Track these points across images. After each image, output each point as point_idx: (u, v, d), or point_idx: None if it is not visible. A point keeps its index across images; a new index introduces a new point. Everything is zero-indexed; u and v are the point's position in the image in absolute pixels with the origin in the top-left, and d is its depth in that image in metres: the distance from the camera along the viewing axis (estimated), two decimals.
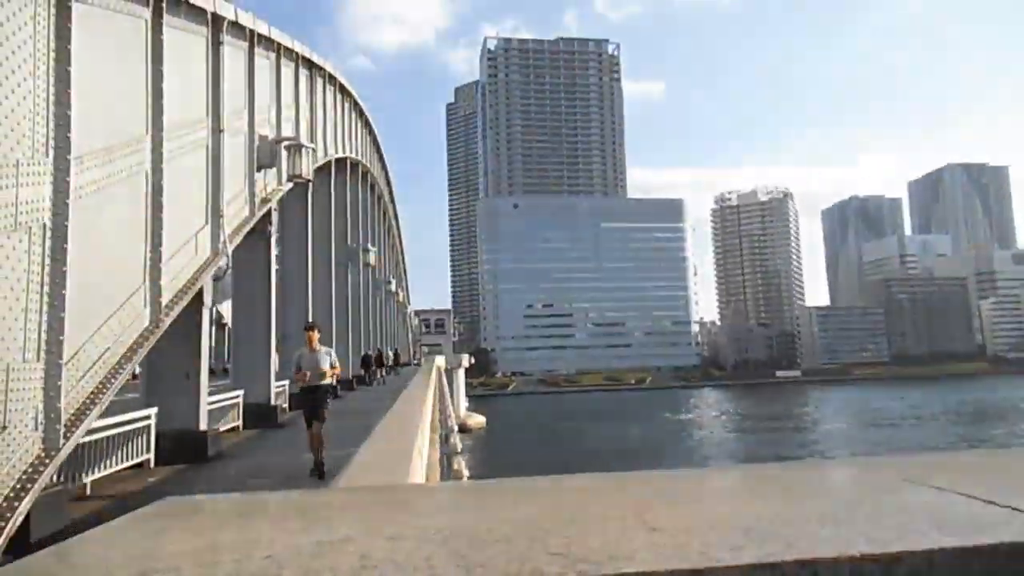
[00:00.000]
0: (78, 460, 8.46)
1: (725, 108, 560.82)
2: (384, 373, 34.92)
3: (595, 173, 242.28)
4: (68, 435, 6.73)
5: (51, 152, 6.71)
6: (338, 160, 26.26)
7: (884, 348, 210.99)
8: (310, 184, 20.70)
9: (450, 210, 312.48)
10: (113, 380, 7.64)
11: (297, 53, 17.99)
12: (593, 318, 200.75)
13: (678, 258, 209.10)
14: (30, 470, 6.21)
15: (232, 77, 12.69)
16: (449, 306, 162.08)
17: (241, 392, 15.22)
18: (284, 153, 14.75)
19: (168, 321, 9.16)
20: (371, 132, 35.52)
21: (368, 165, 35.58)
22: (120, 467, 9.66)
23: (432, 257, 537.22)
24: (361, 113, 30.97)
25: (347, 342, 27.89)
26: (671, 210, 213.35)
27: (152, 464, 10.52)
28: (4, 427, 5.98)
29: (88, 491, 8.74)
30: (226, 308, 27.22)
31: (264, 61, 15.43)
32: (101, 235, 7.86)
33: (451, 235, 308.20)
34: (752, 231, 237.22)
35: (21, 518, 5.89)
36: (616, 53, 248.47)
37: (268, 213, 15.40)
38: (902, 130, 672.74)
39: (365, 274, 33.47)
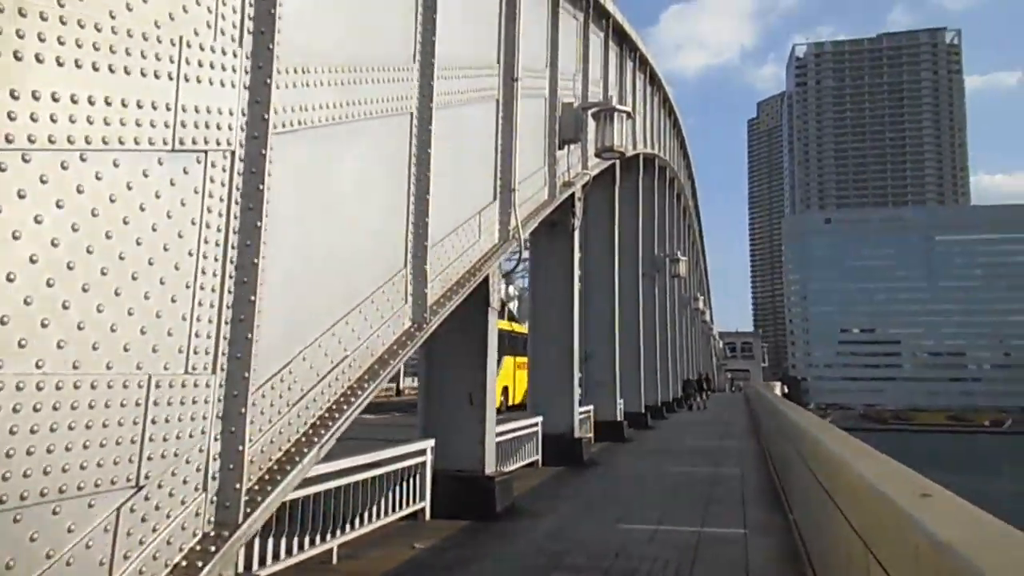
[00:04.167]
0: (316, 514, 6.02)
1: None
2: (703, 399, 32.42)
3: (927, 180, 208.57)
4: (258, 500, 4.05)
5: (247, 39, 4.18)
6: (646, 158, 23.08)
7: None
8: (617, 175, 17.77)
9: (750, 228, 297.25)
10: (345, 407, 4.94)
11: (610, 16, 15.13)
12: (927, 346, 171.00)
13: None
14: (184, 563, 3.59)
15: (529, 23, 10.02)
16: (750, 328, 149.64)
17: (539, 419, 12.49)
18: (591, 124, 11.78)
19: (436, 322, 6.41)
20: (679, 135, 31.92)
21: (676, 170, 31.99)
22: (382, 522, 7.15)
23: (728, 278, 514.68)
24: (671, 113, 27.57)
25: (655, 364, 24.44)
26: None
27: (427, 516, 7.98)
28: (140, 487, 3.42)
29: (335, 558, 6.27)
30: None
31: (570, 20, 12.75)
32: (336, 189, 5.31)
33: (751, 255, 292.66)
34: None
35: None
36: (956, 41, 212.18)
37: (571, 202, 12.58)
38: None
39: (672, 288, 29.78)
